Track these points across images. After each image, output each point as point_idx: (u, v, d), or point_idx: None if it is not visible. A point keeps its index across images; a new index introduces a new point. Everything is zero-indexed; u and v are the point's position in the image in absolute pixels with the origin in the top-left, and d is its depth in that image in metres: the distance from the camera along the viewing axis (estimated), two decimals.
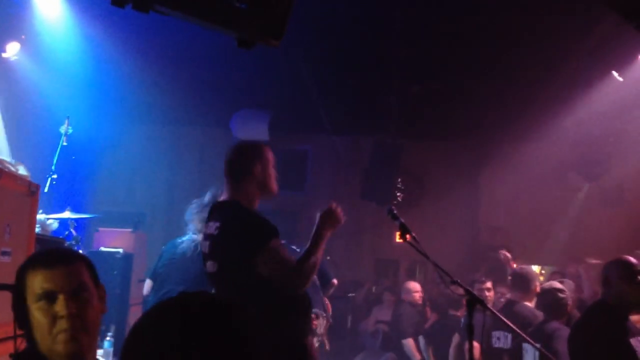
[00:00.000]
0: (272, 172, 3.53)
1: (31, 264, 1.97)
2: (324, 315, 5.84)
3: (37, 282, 1.92)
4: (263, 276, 3.15)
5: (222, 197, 3.50)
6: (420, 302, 7.62)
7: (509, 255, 7.46)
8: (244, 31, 2.51)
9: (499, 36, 6.84)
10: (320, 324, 5.70)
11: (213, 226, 3.33)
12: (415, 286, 7.69)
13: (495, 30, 6.72)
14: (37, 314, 1.89)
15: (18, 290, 1.95)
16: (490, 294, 6.05)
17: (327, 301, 6.06)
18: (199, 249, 4.64)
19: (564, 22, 6.42)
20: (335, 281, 6.28)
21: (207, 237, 3.38)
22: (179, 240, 5.03)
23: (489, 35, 6.84)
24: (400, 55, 7.42)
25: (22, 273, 1.97)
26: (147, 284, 5.07)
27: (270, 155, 3.55)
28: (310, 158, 10.97)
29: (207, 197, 5.04)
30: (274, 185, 3.53)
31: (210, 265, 3.32)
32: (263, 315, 2.75)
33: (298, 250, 5.10)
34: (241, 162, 3.45)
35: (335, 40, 7.28)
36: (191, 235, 5.01)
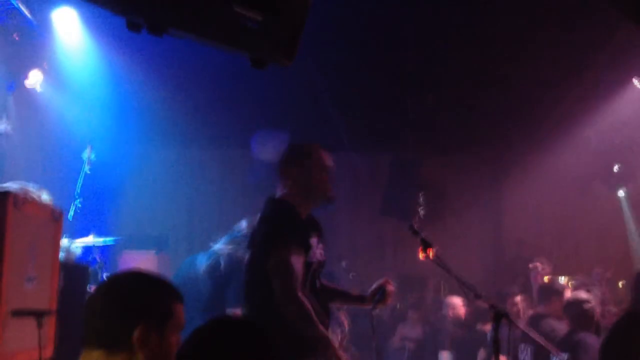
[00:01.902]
0: (323, 177, 3.49)
1: (177, 295, 2.07)
2: (339, 330, 5.84)
3: (181, 315, 2.03)
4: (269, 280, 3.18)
5: (275, 194, 3.52)
6: (463, 318, 7.46)
7: (539, 266, 7.37)
8: (256, 51, 2.53)
9: (519, 46, 6.81)
10: (334, 339, 5.69)
11: (259, 219, 3.44)
12: (459, 302, 7.54)
13: (515, 40, 6.69)
14: (174, 345, 1.97)
15: (160, 318, 1.98)
16: (520, 307, 6.00)
17: (343, 316, 6.06)
18: (213, 264, 4.75)
19: (583, 32, 6.39)
20: None
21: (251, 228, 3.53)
22: (194, 258, 5.04)
23: (509, 46, 6.82)
24: (417, 69, 7.42)
25: (168, 303, 2.03)
26: None
27: (322, 158, 3.53)
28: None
29: (243, 225, 5.07)
30: (326, 190, 3.51)
31: (249, 255, 3.42)
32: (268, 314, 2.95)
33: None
34: (287, 162, 3.50)
35: (351, 56, 7.30)
36: (209, 251, 5.01)
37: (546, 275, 7.28)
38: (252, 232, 3.51)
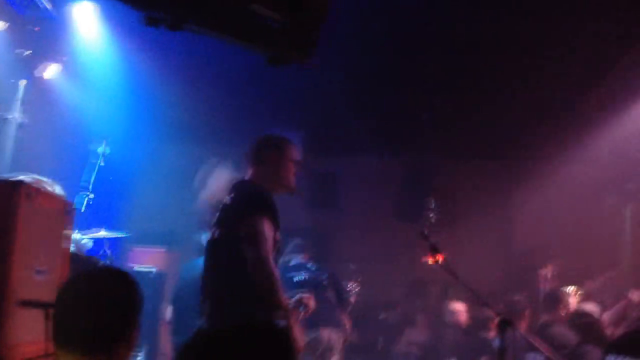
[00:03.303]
0: (291, 167, 3.82)
1: None
2: (341, 331, 5.88)
3: None
4: (241, 249, 3.37)
5: (243, 177, 3.81)
6: (465, 324, 7.44)
7: (547, 273, 7.33)
8: (274, 49, 2.54)
9: (534, 55, 6.78)
10: (336, 339, 5.74)
11: (228, 197, 3.64)
12: (460, 307, 7.52)
13: (531, 49, 6.66)
14: None
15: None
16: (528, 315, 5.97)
17: (345, 318, 6.10)
18: None
19: (599, 43, 6.36)
20: (352, 299, 6.36)
21: (220, 209, 3.65)
22: (195, 263, 5.01)
23: (524, 54, 6.79)
24: (432, 74, 7.41)
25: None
26: (169, 310, 5.12)
27: (292, 152, 3.86)
28: (341, 179, 10.95)
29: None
30: (291, 180, 3.81)
31: (214, 233, 3.59)
32: (233, 288, 3.16)
33: (309, 267, 5.20)
34: (260, 149, 3.84)
35: (366, 59, 7.29)
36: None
37: (554, 283, 7.24)
38: (221, 212, 3.63)
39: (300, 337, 3.57)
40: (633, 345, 3.23)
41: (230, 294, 3.45)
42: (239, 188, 3.71)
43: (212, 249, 3.64)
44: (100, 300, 1.94)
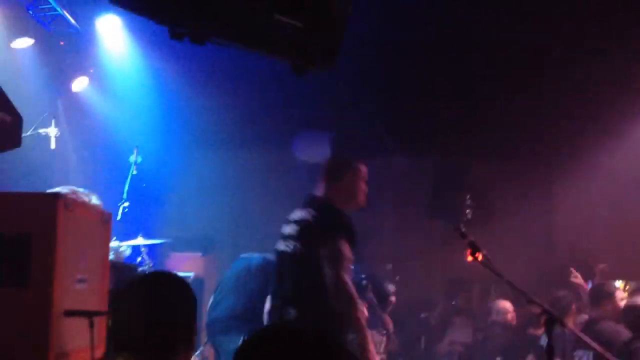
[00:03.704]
0: (362, 186, 4.10)
1: None
2: (383, 332, 5.84)
3: None
4: (322, 266, 3.72)
5: (317, 192, 4.10)
6: (513, 322, 7.34)
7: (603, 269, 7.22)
8: (297, 58, 2.53)
9: (575, 51, 6.71)
10: (379, 342, 5.72)
11: (308, 213, 3.93)
12: (508, 306, 7.40)
13: (572, 46, 6.60)
14: None
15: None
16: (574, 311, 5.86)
17: (387, 319, 6.07)
18: (266, 262, 4.93)
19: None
20: (393, 298, 6.37)
21: (295, 221, 3.98)
22: (250, 258, 5.19)
23: (566, 51, 6.71)
24: (465, 72, 7.33)
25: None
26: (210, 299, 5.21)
27: (363, 171, 4.16)
28: (372, 178, 10.89)
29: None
30: (362, 199, 4.11)
31: (295, 246, 3.91)
32: (312, 300, 3.57)
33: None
34: (335, 168, 4.11)
35: (396, 58, 7.26)
36: (260, 256, 5.16)
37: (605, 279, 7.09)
38: (299, 226, 3.94)
39: (374, 354, 3.84)
40: None
41: (312, 307, 3.78)
42: (316, 205, 3.99)
43: (291, 262, 3.94)
44: (160, 305, 1.93)
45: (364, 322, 3.75)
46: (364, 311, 3.85)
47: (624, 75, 7.11)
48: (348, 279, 3.73)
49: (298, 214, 3.98)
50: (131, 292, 2.03)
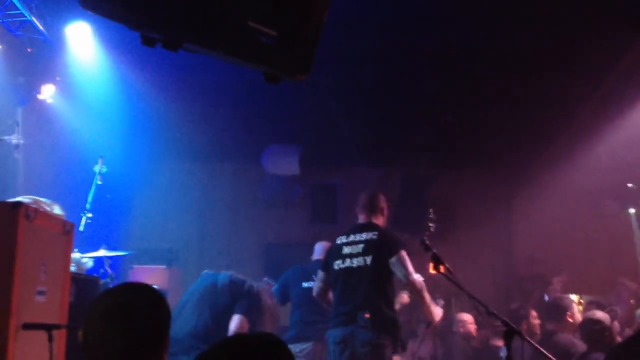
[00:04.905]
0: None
1: None
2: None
3: None
4: (390, 274, 4.90)
5: (361, 221, 5.23)
6: (475, 334, 7.42)
7: (557, 285, 7.35)
8: (270, 66, 2.54)
9: (530, 65, 6.81)
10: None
11: (369, 234, 5.02)
12: (469, 318, 7.48)
13: (527, 59, 6.69)
14: None
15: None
16: (535, 323, 5.96)
17: None
18: (236, 282, 5.28)
19: (594, 49, 6.38)
20: None
21: (359, 242, 5.02)
22: (216, 274, 5.22)
23: (520, 64, 6.81)
24: (429, 87, 7.41)
25: None
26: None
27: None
28: (340, 191, 10.94)
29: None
30: None
31: (365, 260, 4.93)
32: (384, 302, 4.87)
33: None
34: (378, 203, 5.28)
35: (364, 73, 7.31)
36: (227, 273, 5.23)
37: (562, 292, 7.23)
38: (366, 245, 4.97)
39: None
40: (630, 353, 3.20)
41: (383, 303, 4.87)
42: (377, 229, 5.07)
43: (362, 272, 4.94)
44: (133, 317, 1.91)
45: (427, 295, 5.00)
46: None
47: (583, 93, 7.28)
48: (417, 275, 4.87)
49: (363, 236, 5.02)
50: (102, 302, 2.00)
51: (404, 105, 8.11)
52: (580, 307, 6.32)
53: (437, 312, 5.31)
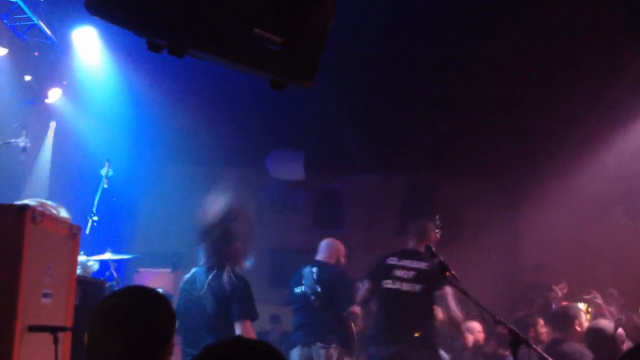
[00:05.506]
0: None
1: None
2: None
3: None
4: (434, 301, 5.38)
5: (411, 247, 5.61)
6: (482, 342, 7.37)
7: (558, 292, 7.34)
8: (275, 73, 2.54)
9: (537, 72, 6.80)
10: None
11: (420, 263, 5.37)
12: (477, 325, 7.43)
13: (533, 66, 6.69)
14: None
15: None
16: (542, 332, 5.93)
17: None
18: (215, 283, 4.62)
19: (601, 58, 6.37)
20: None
21: (411, 269, 5.38)
22: (194, 275, 4.83)
23: (528, 71, 6.81)
24: (434, 93, 7.41)
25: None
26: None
27: None
28: (344, 196, 10.94)
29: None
30: None
31: (414, 287, 5.32)
32: (431, 323, 5.43)
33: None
34: (428, 230, 5.70)
35: (368, 79, 7.31)
36: (202, 268, 4.81)
37: (564, 300, 7.20)
38: (417, 273, 5.36)
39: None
40: None
41: (430, 324, 5.36)
42: (427, 260, 5.19)
43: (410, 296, 5.33)
44: (133, 319, 1.91)
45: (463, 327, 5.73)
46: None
47: (590, 102, 7.27)
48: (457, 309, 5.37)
49: (414, 264, 5.39)
50: (107, 305, 2.01)
51: (408, 111, 8.11)
52: (588, 316, 6.29)
53: (470, 338, 6.09)
